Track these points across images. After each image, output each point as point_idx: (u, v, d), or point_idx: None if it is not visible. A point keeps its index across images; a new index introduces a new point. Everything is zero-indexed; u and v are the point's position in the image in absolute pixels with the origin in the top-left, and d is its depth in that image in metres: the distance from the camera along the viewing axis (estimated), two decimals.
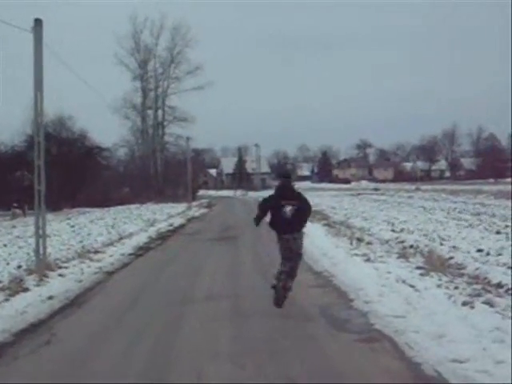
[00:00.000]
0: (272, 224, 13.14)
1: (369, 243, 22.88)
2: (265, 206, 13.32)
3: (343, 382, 8.18)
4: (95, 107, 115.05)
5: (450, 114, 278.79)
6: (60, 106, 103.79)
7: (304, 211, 13.16)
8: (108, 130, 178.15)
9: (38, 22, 19.20)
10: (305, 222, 13.36)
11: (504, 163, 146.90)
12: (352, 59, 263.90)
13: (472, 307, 11.45)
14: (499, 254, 18.10)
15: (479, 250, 19.12)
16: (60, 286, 16.27)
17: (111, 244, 26.95)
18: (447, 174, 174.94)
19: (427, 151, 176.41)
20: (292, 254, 12.88)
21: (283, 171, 14.86)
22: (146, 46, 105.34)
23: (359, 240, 23.86)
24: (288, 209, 12.78)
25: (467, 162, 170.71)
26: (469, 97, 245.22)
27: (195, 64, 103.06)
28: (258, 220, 13.43)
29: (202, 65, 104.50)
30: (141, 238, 30.47)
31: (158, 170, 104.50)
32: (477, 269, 15.78)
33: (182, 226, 40.72)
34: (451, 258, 18.02)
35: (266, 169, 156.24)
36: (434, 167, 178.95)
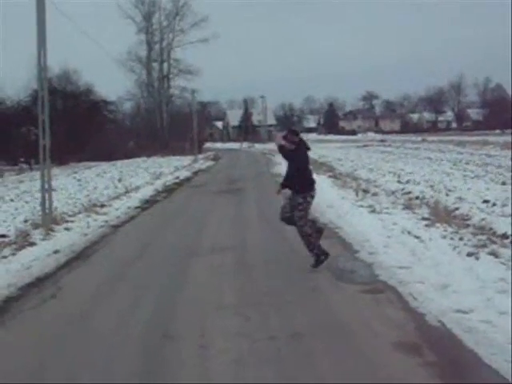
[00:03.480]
0: (305, 184, 12.10)
1: (374, 194, 22.87)
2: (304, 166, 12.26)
3: (347, 332, 8.21)
4: (100, 61, 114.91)
5: (457, 65, 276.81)
6: (65, 60, 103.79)
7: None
8: (113, 83, 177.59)
9: None
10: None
11: (511, 114, 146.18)
12: (359, 9, 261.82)
13: (477, 258, 11.47)
14: (505, 205, 18.05)
15: (485, 201, 19.10)
16: (66, 239, 16.33)
17: (117, 197, 27.01)
18: (454, 124, 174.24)
19: (434, 102, 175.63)
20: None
21: (291, 128, 13.65)
22: None
23: (365, 191, 23.86)
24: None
25: (474, 113, 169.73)
26: (477, 47, 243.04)
27: (200, 16, 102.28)
28: (285, 184, 12.34)
29: (207, 17, 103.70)
30: (147, 191, 30.51)
31: (164, 123, 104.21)
32: (482, 219, 15.78)
33: (188, 179, 40.71)
34: (457, 208, 18.03)
35: (272, 121, 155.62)
36: (440, 118, 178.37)
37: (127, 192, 29.54)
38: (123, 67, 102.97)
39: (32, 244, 15.37)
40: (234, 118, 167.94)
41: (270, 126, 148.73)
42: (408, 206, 19.03)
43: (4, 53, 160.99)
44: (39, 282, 11.90)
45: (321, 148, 78.82)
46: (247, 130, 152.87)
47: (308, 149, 12.28)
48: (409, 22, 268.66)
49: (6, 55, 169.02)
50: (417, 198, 21.37)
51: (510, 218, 15.60)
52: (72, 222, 19.14)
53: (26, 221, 19.64)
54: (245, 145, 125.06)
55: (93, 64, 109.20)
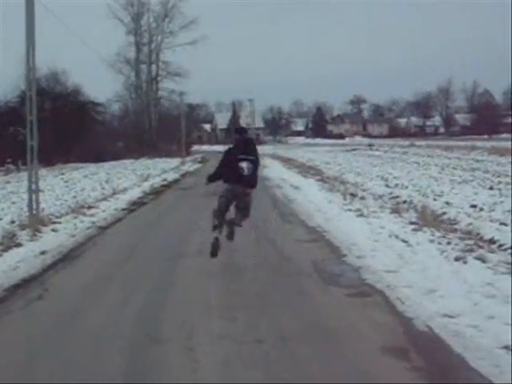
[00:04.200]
0: (228, 179, 12.72)
1: (362, 198, 22.93)
2: (222, 162, 12.95)
3: (334, 336, 8.20)
4: (89, 62, 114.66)
5: (445, 70, 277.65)
6: (53, 61, 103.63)
7: (257, 167, 12.86)
8: (102, 85, 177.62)
9: None
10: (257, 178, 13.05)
11: (498, 119, 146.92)
12: (348, 13, 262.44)
13: (464, 262, 11.50)
14: (492, 210, 18.14)
15: (472, 206, 19.16)
16: (53, 240, 16.27)
17: (105, 199, 26.95)
18: (442, 129, 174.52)
19: (422, 107, 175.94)
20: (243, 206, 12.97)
21: (238, 126, 14.41)
22: None
23: (353, 195, 23.90)
24: (245, 164, 12.51)
25: (462, 118, 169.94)
26: (465, 51, 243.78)
27: (189, 18, 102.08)
28: (212, 178, 13.08)
29: (197, 19, 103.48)
30: (135, 193, 30.49)
31: (152, 125, 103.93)
32: (469, 224, 15.82)
33: (175, 181, 40.73)
34: (444, 213, 18.07)
35: (260, 124, 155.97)
36: (428, 123, 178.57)
37: (114, 194, 29.49)
38: (112, 69, 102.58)
39: (18, 245, 15.30)
40: (223, 120, 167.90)
41: (258, 128, 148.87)
42: (396, 210, 19.08)
43: None
44: (26, 283, 11.83)
45: (309, 152, 79.08)
46: None
47: (243, 147, 12.78)
48: (398, 25, 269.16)
49: None
50: (404, 202, 21.42)
51: (497, 223, 15.67)
52: (59, 223, 19.06)
53: (12, 222, 19.52)
54: None
55: (81, 65, 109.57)
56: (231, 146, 13.14)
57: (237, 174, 12.49)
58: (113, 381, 6.94)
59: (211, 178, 13.04)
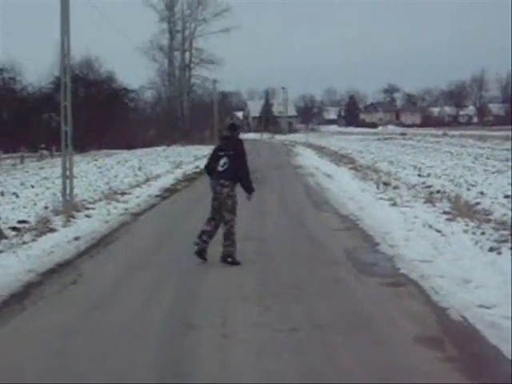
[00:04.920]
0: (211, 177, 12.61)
1: (395, 187, 22.80)
2: (208, 158, 13.03)
3: (368, 325, 8.18)
4: (122, 49, 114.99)
5: (479, 59, 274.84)
6: (87, 48, 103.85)
7: (236, 162, 12.38)
8: (135, 72, 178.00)
9: None
10: (239, 172, 12.46)
11: None
12: (383, 1, 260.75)
13: (499, 253, 11.37)
14: None
15: (506, 196, 18.98)
16: (86, 226, 16.36)
17: (138, 185, 27.08)
18: (475, 119, 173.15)
19: (455, 96, 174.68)
20: (220, 210, 12.33)
21: (230, 122, 14.23)
22: None
23: (386, 184, 23.78)
24: (222, 161, 12.32)
25: (496, 108, 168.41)
26: (499, 41, 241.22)
27: (222, 6, 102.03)
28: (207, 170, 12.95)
29: (230, 7, 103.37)
30: (167, 180, 30.62)
31: (185, 112, 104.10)
32: (504, 215, 15.67)
33: None
34: (478, 203, 17.92)
35: (292, 112, 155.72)
36: (461, 112, 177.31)
37: (147, 180, 29.64)
38: (145, 56, 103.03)
39: (52, 230, 15.40)
40: (255, 108, 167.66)
41: (291, 117, 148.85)
42: (429, 200, 18.93)
43: (26, 39, 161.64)
44: (60, 268, 11.92)
45: (341, 140, 78.84)
46: (267, 121, 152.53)
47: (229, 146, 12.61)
48: (434, 14, 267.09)
49: (29, 42, 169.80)
50: (438, 191, 21.27)
51: None
52: (92, 209, 19.18)
53: (46, 207, 19.64)
54: (265, 136, 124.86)
55: (114, 52, 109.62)
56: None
57: (214, 170, 12.43)
58: (148, 367, 6.96)
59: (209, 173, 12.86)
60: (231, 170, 12.26)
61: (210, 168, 12.61)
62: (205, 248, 12.20)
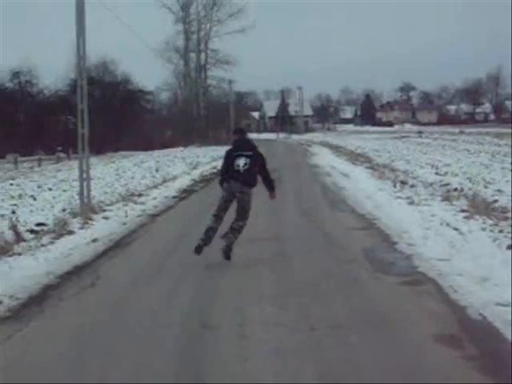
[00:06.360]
0: (225, 178, 12.57)
1: (412, 186, 22.73)
2: (223, 163, 12.86)
3: (387, 324, 8.16)
4: (138, 51, 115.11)
5: (496, 56, 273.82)
6: (103, 51, 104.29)
7: (256, 163, 12.54)
8: (151, 73, 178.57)
9: None
10: (261, 172, 12.79)
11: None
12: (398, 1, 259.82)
13: None
14: None
15: None
16: (104, 228, 16.41)
17: (155, 187, 27.14)
18: (492, 116, 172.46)
19: (471, 94, 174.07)
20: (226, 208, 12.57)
21: (236, 127, 14.13)
22: None
23: (403, 183, 23.73)
24: (241, 161, 12.34)
25: None
26: None
27: (237, 6, 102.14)
28: (221, 182, 12.82)
29: (245, 7, 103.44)
30: (184, 181, 30.68)
31: (201, 113, 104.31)
32: None
33: None
34: (496, 201, 17.84)
35: (308, 111, 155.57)
36: (478, 110, 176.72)
37: (164, 181, 29.71)
38: (160, 57, 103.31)
39: (70, 233, 15.46)
40: (271, 108, 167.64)
41: (307, 116, 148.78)
42: (446, 198, 18.87)
43: (42, 42, 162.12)
44: (78, 270, 11.95)
45: (357, 139, 78.71)
46: (284, 121, 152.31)
47: (239, 149, 12.62)
48: (450, 13, 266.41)
49: (44, 44, 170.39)
50: (455, 189, 21.19)
51: None
52: (110, 211, 19.23)
53: (64, 209, 19.70)
54: (281, 135, 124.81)
55: (130, 54, 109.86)
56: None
57: (232, 170, 12.36)
58: (167, 367, 6.98)
59: (221, 182, 12.82)
60: (252, 171, 12.38)
61: (227, 174, 12.52)
62: (206, 244, 12.30)
